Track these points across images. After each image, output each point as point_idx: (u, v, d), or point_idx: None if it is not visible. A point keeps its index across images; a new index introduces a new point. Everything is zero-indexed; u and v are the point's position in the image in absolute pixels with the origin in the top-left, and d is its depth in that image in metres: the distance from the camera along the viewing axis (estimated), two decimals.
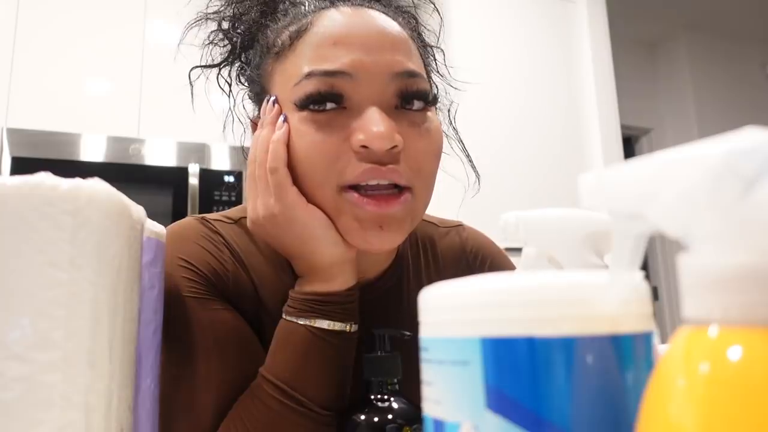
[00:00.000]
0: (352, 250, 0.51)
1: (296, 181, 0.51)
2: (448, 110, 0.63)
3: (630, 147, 3.76)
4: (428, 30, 0.60)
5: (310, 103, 0.49)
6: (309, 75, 0.49)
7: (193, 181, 2.13)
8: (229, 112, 0.63)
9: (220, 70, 0.62)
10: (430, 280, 0.64)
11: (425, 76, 0.53)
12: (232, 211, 0.61)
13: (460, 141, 0.63)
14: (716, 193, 0.16)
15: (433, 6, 0.63)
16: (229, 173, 2.20)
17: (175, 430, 0.51)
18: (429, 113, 0.52)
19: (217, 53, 0.61)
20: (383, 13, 0.53)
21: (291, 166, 0.50)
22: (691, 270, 0.17)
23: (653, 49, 3.89)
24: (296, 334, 0.49)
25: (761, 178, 0.16)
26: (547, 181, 2.41)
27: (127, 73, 2.22)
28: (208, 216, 0.59)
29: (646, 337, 0.22)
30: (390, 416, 0.44)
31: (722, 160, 0.16)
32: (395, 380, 0.46)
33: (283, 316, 0.51)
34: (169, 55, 0.64)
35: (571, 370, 0.20)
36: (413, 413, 0.44)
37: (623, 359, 0.21)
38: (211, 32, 0.60)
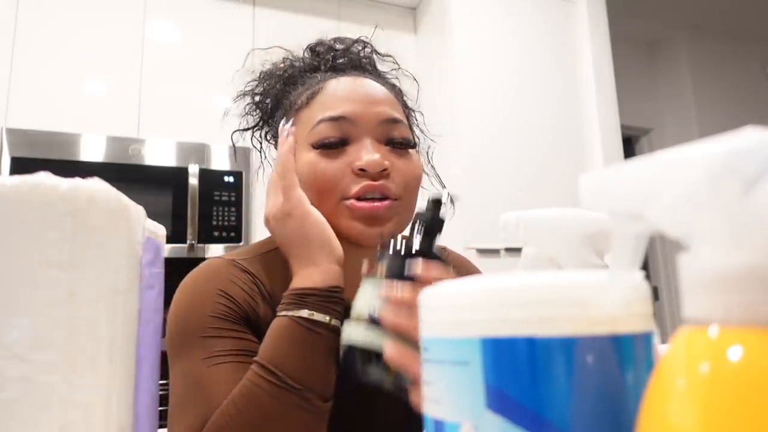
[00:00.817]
0: (340, 258, 0.60)
1: (310, 198, 0.63)
2: (427, 152, 0.81)
3: (630, 147, 3.76)
4: (410, 99, 0.80)
5: (326, 146, 0.64)
6: (320, 121, 0.65)
7: (193, 181, 2.13)
8: (261, 164, 0.81)
9: (253, 132, 0.79)
10: None
11: (408, 125, 0.70)
12: (251, 249, 0.71)
13: (438, 176, 0.81)
14: (716, 192, 0.16)
15: (412, 78, 0.83)
16: (229, 173, 2.20)
17: (185, 421, 0.55)
18: (411, 151, 0.68)
19: (251, 119, 0.79)
20: (375, 80, 0.71)
21: (307, 186, 0.64)
22: (692, 270, 0.17)
23: (653, 49, 3.89)
24: (282, 324, 0.56)
25: (761, 178, 0.16)
26: (547, 181, 2.41)
27: (126, 73, 2.22)
28: (234, 257, 0.69)
29: (647, 337, 0.22)
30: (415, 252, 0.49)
31: (722, 160, 0.16)
32: (435, 240, 0.51)
33: (277, 314, 0.57)
34: (168, 56, 0.70)
35: (572, 370, 0.20)
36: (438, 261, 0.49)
37: (623, 359, 0.21)
38: (246, 105, 0.78)
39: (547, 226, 0.46)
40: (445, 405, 0.23)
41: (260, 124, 0.79)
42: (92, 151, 2.08)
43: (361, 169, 0.62)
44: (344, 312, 0.57)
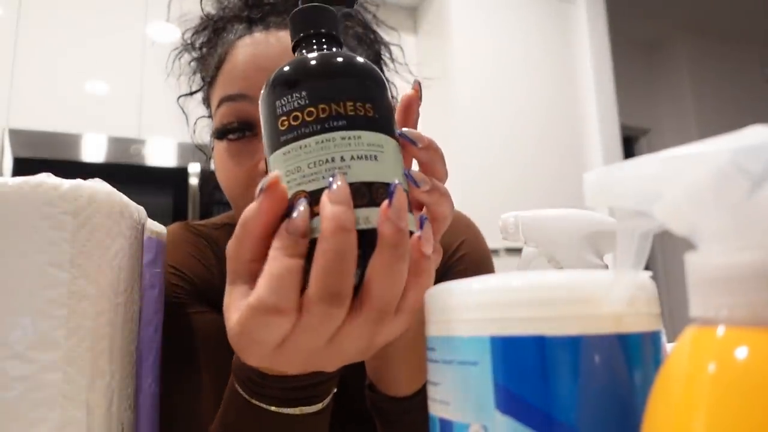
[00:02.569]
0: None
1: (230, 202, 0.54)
2: None
3: (629, 147, 3.76)
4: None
5: (225, 133, 0.50)
6: (219, 104, 0.50)
7: (194, 181, 2.13)
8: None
9: (204, 99, 0.62)
10: None
11: None
12: (218, 218, 0.65)
13: None
14: (723, 191, 0.16)
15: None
16: None
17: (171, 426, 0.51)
18: None
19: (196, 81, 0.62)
20: None
21: (223, 190, 0.53)
22: (698, 269, 0.17)
23: (652, 50, 3.89)
24: (230, 390, 0.39)
25: None
26: (547, 181, 2.41)
27: (128, 74, 2.22)
28: (192, 222, 0.63)
29: (655, 336, 0.22)
30: None
31: (729, 158, 0.16)
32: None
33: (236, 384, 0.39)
34: (169, 56, 0.67)
35: (580, 369, 0.20)
36: None
37: (632, 358, 0.21)
38: (191, 60, 0.61)
39: (547, 226, 0.46)
40: (453, 405, 0.22)
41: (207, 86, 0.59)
42: (93, 152, 2.08)
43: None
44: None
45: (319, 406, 0.38)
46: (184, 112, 0.65)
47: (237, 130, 0.49)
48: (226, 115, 0.50)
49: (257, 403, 0.36)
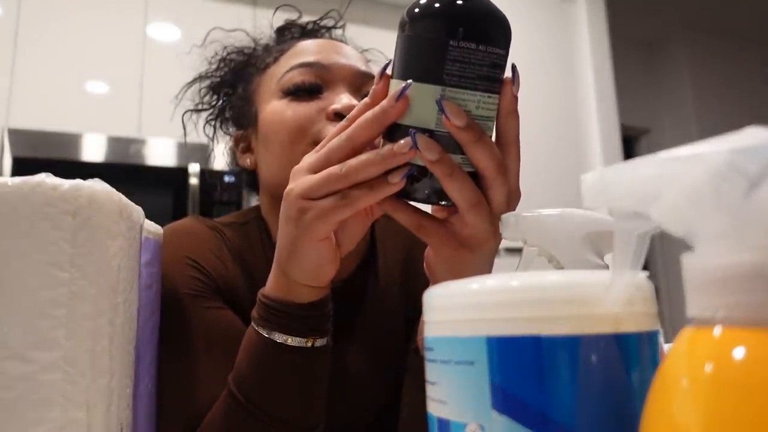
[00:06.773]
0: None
1: (274, 147, 0.58)
2: None
3: (629, 147, 3.76)
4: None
5: (296, 91, 0.58)
6: (291, 68, 0.59)
7: (194, 181, 2.13)
8: (212, 154, 0.77)
9: (207, 119, 0.73)
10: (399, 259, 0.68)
11: None
12: (232, 216, 0.66)
13: None
14: (720, 191, 0.16)
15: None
16: (229, 173, 2.19)
17: (172, 422, 0.51)
18: None
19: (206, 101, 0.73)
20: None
21: (272, 136, 0.59)
22: (696, 270, 0.17)
23: (652, 49, 3.89)
24: (252, 342, 0.46)
25: (765, 177, 0.16)
26: (547, 181, 2.41)
27: (128, 74, 2.22)
28: (207, 218, 0.64)
29: (652, 336, 0.22)
30: None
31: (726, 158, 0.16)
32: None
33: (251, 321, 0.47)
34: (169, 56, 0.69)
35: (577, 369, 0.20)
36: None
37: (629, 358, 0.21)
38: (202, 88, 0.72)
39: (547, 226, 0.45)
40: (451, 405, 0.23)
41: (215, 111, 0.72)
42: (93, 152, 2.08)
43: (338, 114, 0.55)
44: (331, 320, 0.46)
45: (324, 341, 0.45)
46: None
47: (310, 89, 0.58)
48: (301, 74, 0.59)
49: (267, 335, 0.44)
